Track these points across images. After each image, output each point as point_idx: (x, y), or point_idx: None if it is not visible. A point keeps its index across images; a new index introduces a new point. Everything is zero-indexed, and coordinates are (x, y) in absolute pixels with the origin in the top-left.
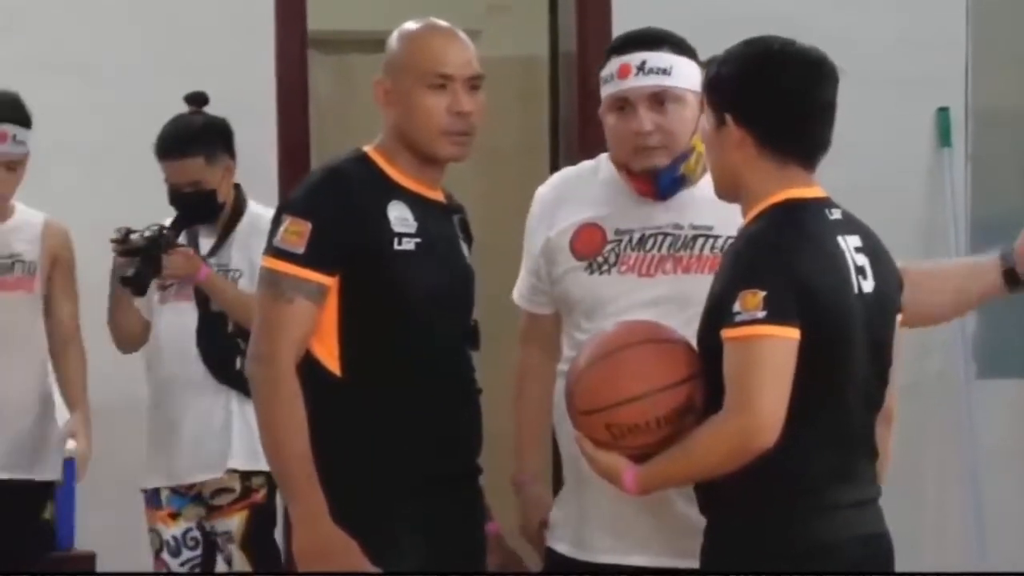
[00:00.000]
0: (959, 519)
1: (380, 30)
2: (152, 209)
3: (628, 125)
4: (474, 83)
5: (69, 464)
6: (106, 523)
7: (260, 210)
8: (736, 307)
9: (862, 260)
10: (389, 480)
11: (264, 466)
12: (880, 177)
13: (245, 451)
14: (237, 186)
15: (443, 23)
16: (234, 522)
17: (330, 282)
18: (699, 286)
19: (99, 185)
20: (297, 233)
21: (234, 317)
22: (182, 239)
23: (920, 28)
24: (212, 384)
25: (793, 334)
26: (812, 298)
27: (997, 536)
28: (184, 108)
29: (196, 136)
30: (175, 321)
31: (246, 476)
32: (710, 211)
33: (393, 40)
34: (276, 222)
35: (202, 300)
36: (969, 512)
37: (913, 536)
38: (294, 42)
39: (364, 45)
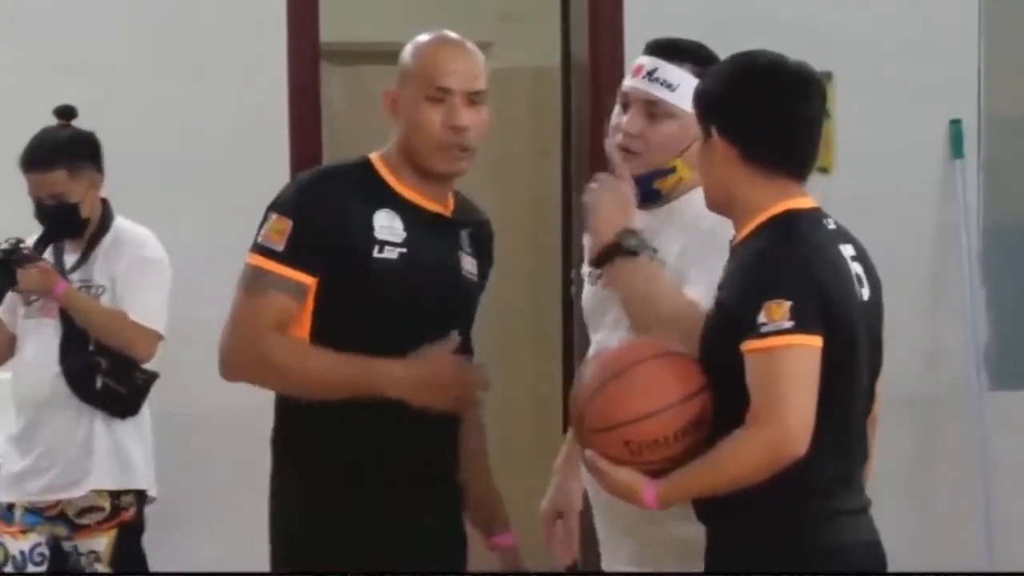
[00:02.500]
0: (970, 533)
1: (392, 41)
2: (153, 208)
3: (621, 121)
4: (474, 98)
5: None
6: None
7: (126, 225)
8: (761, 318)
9: (858, 268)
10: (359, 487)
11: (133, 484)
12: (892, 185)
13: (112, 469)
14: (104, 201)
15: (454, 36)
16: (102, 541)
17: (310, 281)
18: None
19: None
20: (279, 231)
21: (94, 333)
22: (48, 254)
23: (933, 36)
24: (75, 402)
25: (818, 342)
26: (830, 306)
27: (1008, 550)
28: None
29: (59, 149)
30: (38, 337)
31: (115, 495)
32: (665, 234)
33: (405, 51)
34: (265, 219)
35: (66, 316)
36: (980, 526)
37: (923, 549)
38: (307, 53)
39: (376, 56)
